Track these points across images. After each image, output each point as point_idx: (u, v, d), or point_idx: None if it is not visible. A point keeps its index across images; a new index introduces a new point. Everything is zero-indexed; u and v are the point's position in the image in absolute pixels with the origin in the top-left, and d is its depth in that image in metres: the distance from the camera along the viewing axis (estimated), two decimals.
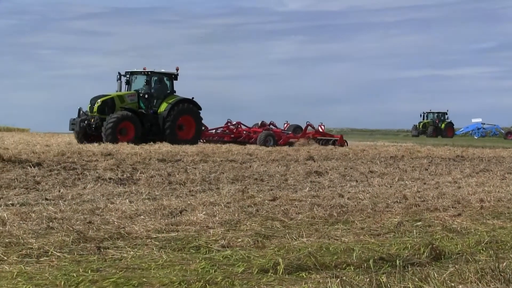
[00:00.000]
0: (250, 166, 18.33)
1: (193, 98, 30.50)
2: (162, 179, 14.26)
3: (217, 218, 9.04)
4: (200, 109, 30.64)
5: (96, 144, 25.09)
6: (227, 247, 7.32)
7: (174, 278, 5.86)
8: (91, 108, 29.10)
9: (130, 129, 28.50)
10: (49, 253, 6.80)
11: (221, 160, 19.59)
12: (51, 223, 8.31)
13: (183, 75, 34.13)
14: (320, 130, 35.00)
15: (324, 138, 33.90)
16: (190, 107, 30.25)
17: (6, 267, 6.27)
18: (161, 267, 6.39)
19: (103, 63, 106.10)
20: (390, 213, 10.08)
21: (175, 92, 30.63)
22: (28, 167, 15.05)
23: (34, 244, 7.05)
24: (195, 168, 16.92)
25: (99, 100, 29.02)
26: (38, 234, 7.65)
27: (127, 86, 30.18)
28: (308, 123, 34.69)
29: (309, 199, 11.30)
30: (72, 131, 30.01)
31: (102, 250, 7.02)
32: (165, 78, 30.60)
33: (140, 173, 15.22)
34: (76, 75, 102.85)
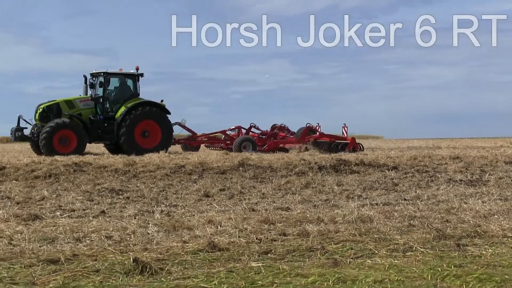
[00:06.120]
0: None
1: (162, 101, 27.11)
2: (511, 180, 14.74)
3: None
4: (168, 113, 27.08)
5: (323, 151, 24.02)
6: None
7: None
8: (35, 115, 26.38)
9: (72, 139, 25.33)
10: (414, 248, 7.25)
11: None
12: (411, 221, 8.95)
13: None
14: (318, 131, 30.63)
15: (336, 142, 29.12)
16: (152, 111, 26.62)
17: (378, 260, 6.90)
18: None
19: (444, 73, 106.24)
20: None
21: (139, 94, 27.23)
22: (386, 171, 16.71)
23: (400, 240, 7.63)
24: None
25: (41, 106, 26.22)
26: (402, 231, 8.25)
27: (92, 90, 27.11)
28: (308, 124, 31.25)
29: None
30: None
31: (461, 247, 7.31)
32: (126, 80, 27.27)
33: (489, 175, 15.83)
34: (417, 86, 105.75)
